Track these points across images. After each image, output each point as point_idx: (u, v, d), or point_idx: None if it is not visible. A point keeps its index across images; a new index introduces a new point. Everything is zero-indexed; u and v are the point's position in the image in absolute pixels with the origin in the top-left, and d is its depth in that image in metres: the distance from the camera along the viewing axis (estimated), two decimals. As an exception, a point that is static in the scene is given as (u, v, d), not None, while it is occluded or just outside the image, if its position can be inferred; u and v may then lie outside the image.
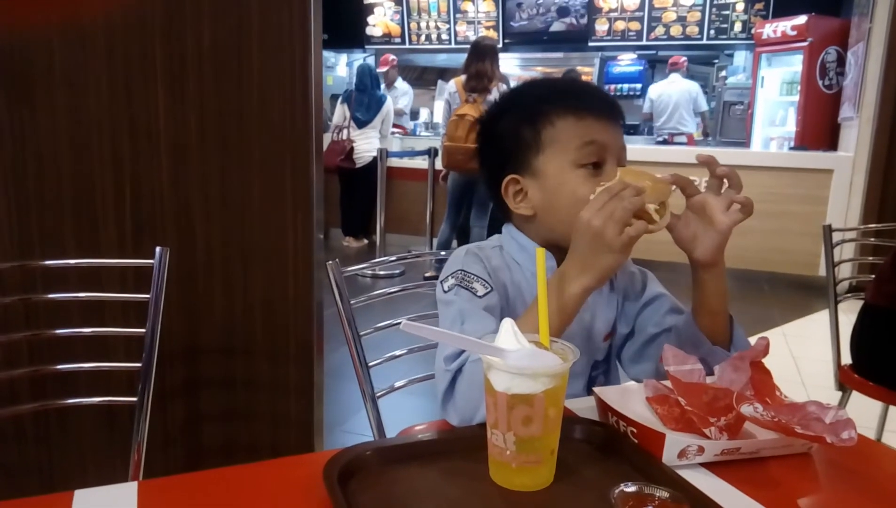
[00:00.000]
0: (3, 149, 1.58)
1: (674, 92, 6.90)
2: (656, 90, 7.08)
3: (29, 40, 1.51)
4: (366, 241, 6.62)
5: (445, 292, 1.05)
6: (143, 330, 1.29)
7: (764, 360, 0.89)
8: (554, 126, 1.05)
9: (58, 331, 1.33)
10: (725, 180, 0.99)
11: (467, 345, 0.74)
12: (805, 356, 3.72)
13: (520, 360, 0.71)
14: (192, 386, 1.70)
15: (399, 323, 1.43)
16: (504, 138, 1.10)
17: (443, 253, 1.36)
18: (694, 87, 6.96)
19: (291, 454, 1.68)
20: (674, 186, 0.97)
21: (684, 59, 7.09)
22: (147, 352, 1.28)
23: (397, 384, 1.40)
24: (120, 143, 1.58)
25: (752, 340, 1.05)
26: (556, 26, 8.00)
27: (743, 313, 4.05)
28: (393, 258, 1.46)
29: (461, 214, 4.99)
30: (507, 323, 0.75)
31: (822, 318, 4.37)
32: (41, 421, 1.64)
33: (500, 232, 1.17)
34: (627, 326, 1.16)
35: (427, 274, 4.99)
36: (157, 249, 1.29)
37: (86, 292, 1.35)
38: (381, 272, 5.13)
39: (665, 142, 6.75)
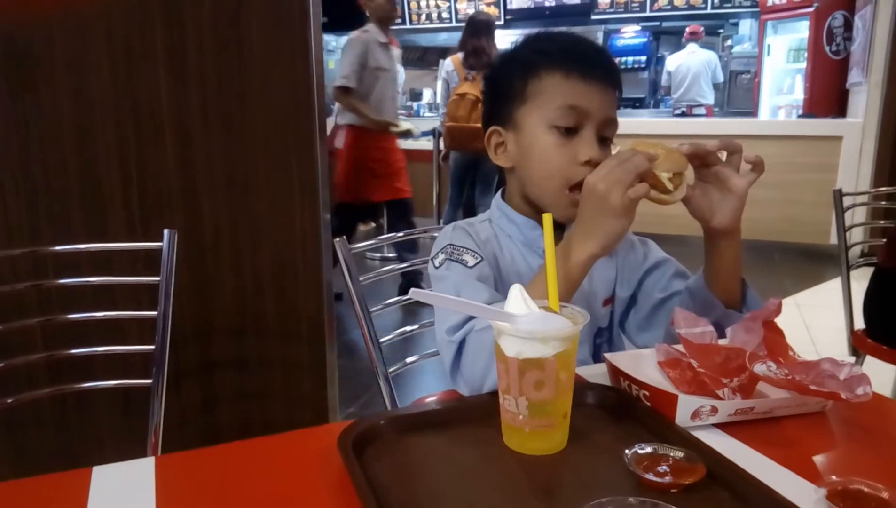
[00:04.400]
0: (9, 136, 1.58)
1: (693, 63, 6.78)
2: (674, 61, 6.97)
3: (29, 26, 1.51)
4: (373, 224, 6.61)
5: (437, 267, 1.06)
6: (155, 313, 1.30)
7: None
8: (540, 80, 1.04)
9: (71, 316, 1.34)
10: (723, 152, 0.97)
11: (477, 311, 0.74)
12: (818, 324, 3.71)
13: (530, 324, 0.71)
14: (205, 367, 1.71)
15: (408, 298, 1.44)
16: (497, 87, 1.11)
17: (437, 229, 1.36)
18: (713, 57, 6.84)
19: (306, 431, 1.71)
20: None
21: (701, 28, 6.94)
22: (160, 334, 1.29)
23: (409, 360, 1.40)
24: (124, 126, 1.58)
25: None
26: (558, 0, 7.92)
27: (754, 283, 3.98)
28: (401, 234, 1.45)
29: (464, 193, 4.96)
30: (517, 289, 0.75)
31: (833, 286, 4.34)
32: (58, 405, 1.66)
33: None
34: (629, 289, 1.15)
35: (432, 251, 4.98)
36: (166, 231, 1.30)
37: (97, 277, 1.36)
38: (390, 254, 5.13)
39: (683, 114, 6.66)
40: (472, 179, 4.88)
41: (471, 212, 4.98)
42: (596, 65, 1.04)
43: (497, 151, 1.11)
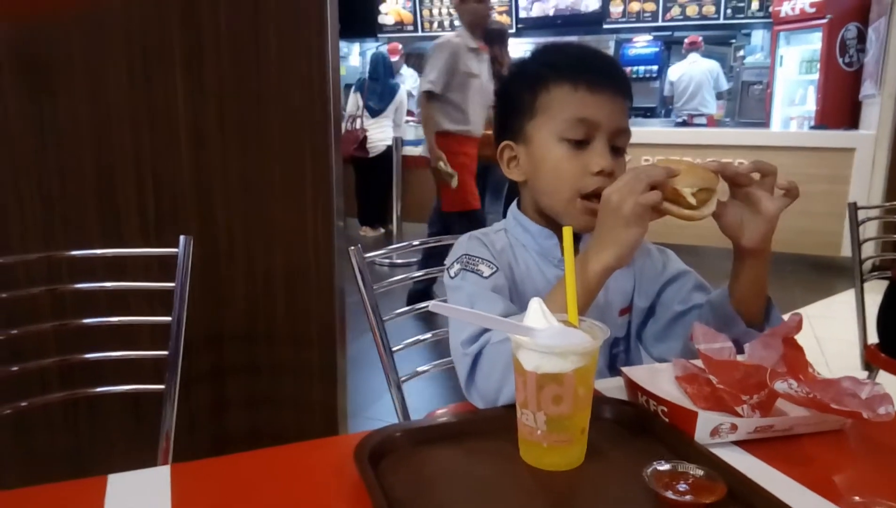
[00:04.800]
0: (26, 139, 1.59)
1: (695, 72, 6.81)
2: (676, 71, 7.00)
3: (48, 29, 1.52)
4: (382, 230, 6.62)
5: (452, 277, 1.05)
6: (169, 318, 1.30)
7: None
8: (549, 93, 1.04)
9: (85, 320, 1.34)
10: (756, 174, 0.95)
11: (496, 324, 0.74)
12: (829, 337, 3.68)
13: (549, 339, 0.71)
14: (216, 373, 1.71)
15: (423, 307, 1.44)
16: (507, 101, 1.11)
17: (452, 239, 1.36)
18: (715, 66, 6.87)
19: (317, 439, 1.71)
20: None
21: (700, 38, 7.00)
22: (174, 340, 1.29)
23: (420, 370, 1.40)
24: (140, 130, 1.59)
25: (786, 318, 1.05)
26: (570, 10, 7.92)
27: (764, 294, 3.99)
28: (416, 243, 1.45)
29: (476, 201, 4.96)
30: (536, 302, 0.74)
31: (843, 299, 4.31)
32: (70, 410, 1.66)
33: None
34: (647, 300, 1.14)
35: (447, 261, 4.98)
36: (182, 237, 1.30)
37: (112, 282, 1.36)
38: (399, 261, 5.13)
39: (684, 123, 6.67)
40: (482, 187, 4.88)
41: (480, 221, 4.97)
42: (604, 75, 1.04)
43: (510, 166, 1.11)
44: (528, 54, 1.14)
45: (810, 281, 4.97)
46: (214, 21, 1.55)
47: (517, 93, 1.08)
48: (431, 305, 0.71)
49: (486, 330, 0.92)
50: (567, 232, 0.80)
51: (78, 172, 1.61)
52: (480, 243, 1.08)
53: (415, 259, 5.14)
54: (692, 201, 0.88)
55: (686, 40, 6.99)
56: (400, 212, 5.34)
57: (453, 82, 3.79)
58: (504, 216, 1.17)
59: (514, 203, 1.16)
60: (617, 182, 0.90)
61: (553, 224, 1.08)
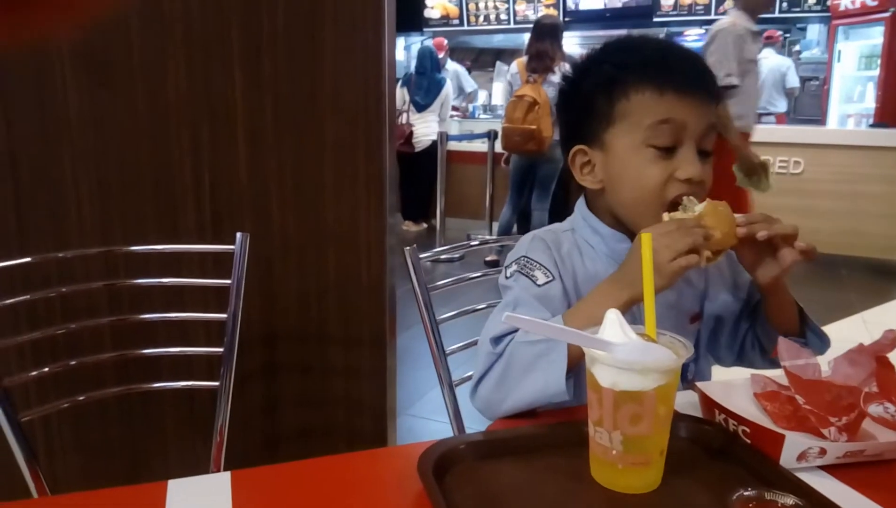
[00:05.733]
0: (85, 135, 1.60)
1: (765, 69, 6.54)
2: None
3: (108, 24, 1.52)
4: (425, 225, 6.61)
5: (507, 277, 1.02)
6: (224, 315, 1.30)
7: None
8: (629, 100, 0.96)
9: (141, 316, 1.35)
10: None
11: (573, 338, 0.70)
12: (888, 344, 3.54)
13: (629, 354, 0.67)
14: (268, 371, 1.71)
15: (477, 309, 1.41)
16: (577, 104, 1.04)
17: (510, 239, 1.32)
18: (785, 63, 6.53)
19: (366, 438, 1.70)
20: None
21: (779, 32, 6.66)
22: (229, 337, 1.29)
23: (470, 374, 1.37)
24: (199, 127, 1.59)
25: (828, 328, 1.03)
26: (619, 3, 7.79)
27: (819, 298, 3.87)
28: (476, 243, 1.42)
29: (523, 197, 4.92)
30: (613, 313, 0.70)
31: (904, 306, 4.16)
32: (125, 404, 1.68)
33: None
34: (718, 307, 1.09)
35: (488, 258, 4.95)
36: (238, 234, 1.29)
37: (169, 278, 1.36)
38: (443, 257, 5.11)
39: None
40: (530, 183, 4.84)
41: (526, 217, 4.92)
42: (692, 76, 0.96)
43: (583, 172, 1.03)
44: (594, 50, 1.05)
45: (865, 285, 4.80)
46: (273, 18, 1.54)
47: (590, 96, 1.00)
48: (506, 317, 0.68)
49: (517, 330, 0.89)
50: (646, 241, 0.75)
51: (136, 168, 1.62)
52: (544, 246, 1.03)
53: (457, 255, 5.12)
54: (704, 262, 0.88)
55: (763, 34, 6.61)
56: (443, 207, 5.30)
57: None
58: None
59: (582, 201, 1.09)
60: (658, 226, 0.87)
61: (626, 227, 1.02)
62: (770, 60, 6.52)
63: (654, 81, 0.95)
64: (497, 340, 0.91)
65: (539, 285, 0.97)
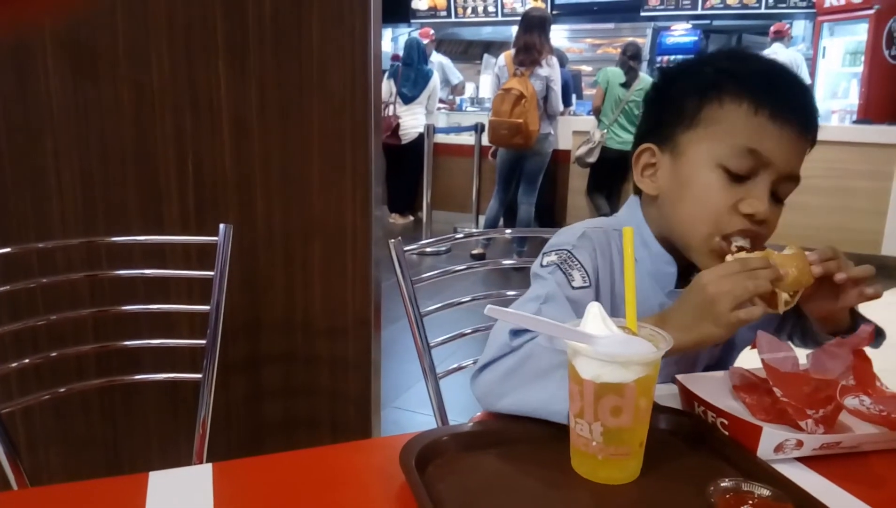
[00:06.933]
0: (68, 124, 1.59)
1: None
2: None
3: (92, 13, 1.51)
4: (411, 218, 6.61)
5: (543, 265, 0.95)
6: (207, 307, 1.29)
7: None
8: (721, 106, 0.89)
9: (123, 307, 1.34)
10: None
11: (553, 330, 0.70)
12: (869, 338, 3.58)
13: (610, 347, 0.68)
14: (252, 363, 1.71)
15: (462, 302, 1.41)
16: (663, 100, 0.98)
17: (510, 233, 1.32)
18: (797, 58, 6.33)
19: (350, 430, 1.70)
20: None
21: (787, 26, 6.46)
22: (212, 328, 1.28)
23: (464, 364, 1.37)
24: (182, 117, 1.58)
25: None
26: (607, -5, 7.80)
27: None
28: (461, 236, 1.42)
29: (510, 191, 4.92)
30: (595, 307, 0.71)
31: (888, 299, 4.20)
32: (107, 396, 1.67)
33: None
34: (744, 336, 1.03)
35: (474, 251, 4.95)
36: (222, 226, 1.28)
37: (152, 269, 1.35)
38: (429, 250, 5.11)
39: None
40: (517, 177, 4.83)
41: (513, 210, 4.91)
42: (794, 105, 0.89)
43: (644, 173, 0.98)
44: (705, 53, 1.02)
45: (850, 280, 4.85)
46: (258, 7, 1.53)
47: (679, 95, 0.94)
48: (488, 309, 0.68)
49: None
50: (627, 234, 0.75)
51: (119, 158, 1.61)
52: (591, 248, 0.96)
53: (443, 248, 5.12)
54: (782, 308, 0.83)
55: (771, 29, 6.36)
56: (430, 200, 5.30)
57: None
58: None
59: (637, 204, 1.02)
60: (718, 269, 0.81)
61: (675, 249, 0.97)
62: (781, 55, 6.31)
63: (753, 96, 0.88)
64: (517, 333, 0.85)
65: (574, 288, 0.92)
